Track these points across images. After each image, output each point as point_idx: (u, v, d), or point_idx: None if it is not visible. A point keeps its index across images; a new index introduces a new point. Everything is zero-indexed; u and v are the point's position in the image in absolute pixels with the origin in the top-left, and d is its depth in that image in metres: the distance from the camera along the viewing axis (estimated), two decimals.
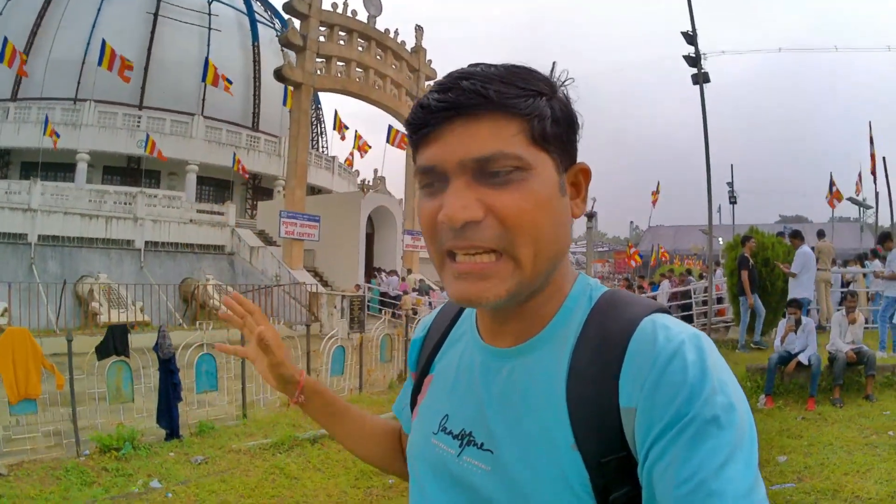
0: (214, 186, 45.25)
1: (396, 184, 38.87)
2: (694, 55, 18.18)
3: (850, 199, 41.50)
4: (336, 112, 42.26)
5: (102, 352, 9.67)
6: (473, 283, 1.04)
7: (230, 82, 37.69)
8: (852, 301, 10.99)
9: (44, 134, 34.12)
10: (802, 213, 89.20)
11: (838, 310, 11.90)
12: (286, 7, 30.07)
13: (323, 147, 56.33)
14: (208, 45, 44.85)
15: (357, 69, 32.86)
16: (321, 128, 56.85)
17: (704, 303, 19.68)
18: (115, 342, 9.69)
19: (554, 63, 1.14)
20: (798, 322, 10.61)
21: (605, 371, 1.01)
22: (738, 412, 0.92)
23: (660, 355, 0.96)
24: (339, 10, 31.89)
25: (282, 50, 48.78)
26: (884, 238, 13.63)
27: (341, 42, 32.11)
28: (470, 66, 1.07)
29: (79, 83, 41.29)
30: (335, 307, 24.13)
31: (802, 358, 10.19)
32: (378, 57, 33.84)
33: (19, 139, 39.15)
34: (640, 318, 1.05)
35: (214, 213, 33.87)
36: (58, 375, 8.67)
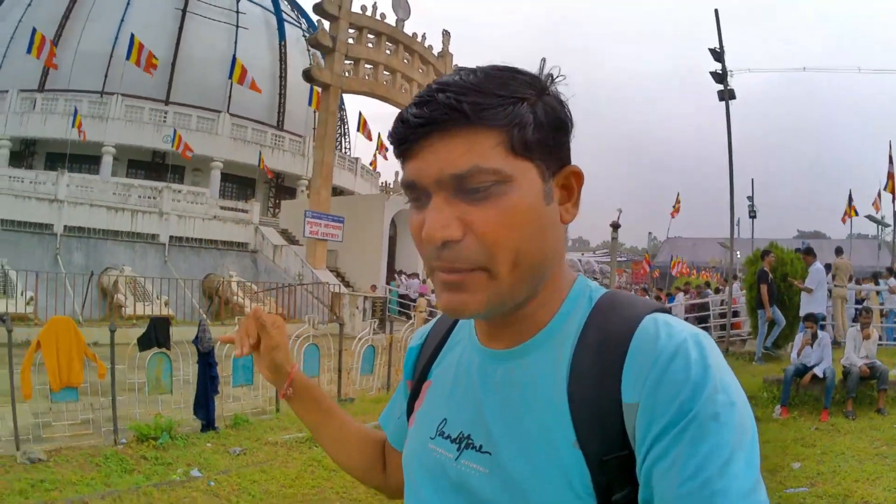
0: (237, 184, 45.51)
1: None
2: (721, 72, 18.31)
3: (867, 216, 41.48)
4: (360, 114, 42.45)
5: (144, 343, 9.85)
6: (455, 293, 1.05)
7: (257, 81, 37.80)
8: (867, 317, 11.18)
9: (72, 126, 34.39)
10: (820, 230, 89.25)
11: (853, 326, 12.11)
12: (316, 8, 30.15)
13: (346, 148, 56.45)
14: (235, 43, 45.10)
15: (384, 72, 32.97)
16: (344, 129, 56.98)
17: (720, 316, 19.85)
18: (157, 334, 9.88)
19: (543, 60, 1.13)
20: (814, 336, 10.86)
21: (607, 369, 1.01)
22: (739, 411, 0.93)
23: (662, 353, 0.96)
24: (369, 13, 31.98)
25: (308, 50, 49.14)
26: None
27: (370, 45, 32.23)
28: (452, 73, 1.05)
29: (106, 76, 41.59)
30: (357, 308, 24.26)
31: (818, 371, 10.43)
32: (405, 60, 33.96)
33: (46, 130, 39.45)
34: (641, 316, 1.05)
35: (239, 211, 34.13)
36: (100, 365, 8.86)
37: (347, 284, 29.58)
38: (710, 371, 0.93)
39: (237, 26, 46.35)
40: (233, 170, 43.26)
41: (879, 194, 37.01)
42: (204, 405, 9.24)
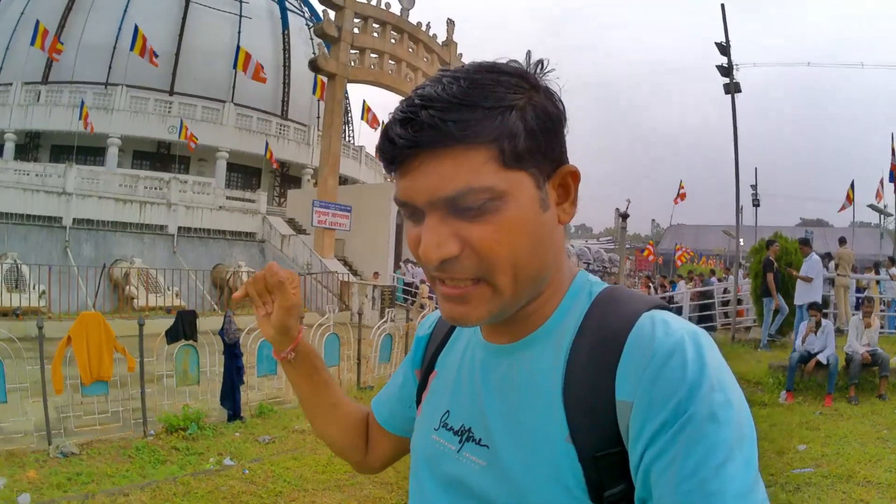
0: (243, 173, 45.52)
1: None
2: (727, 65, 18.45)
3: (870, 205, 41.62)
4: (364, 102, 42.46)
5: (172, 335, 9.99)
6: (457, 305, 1.05)
7: (263, 69, 37.75)
8: (869, 306, 11.48)
9: (79, 119, 34.40)
10: (823, 218, 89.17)
11: (855, 314, 12.36)
12: None
13: (350, 136, 56.39)
14: (239, 33, 45.02)
15: (390, 61, 33.03)
16: (348, 117, 56.96)
17: (724, 304, 20.12)
18: (184, 326, 10.02)
19: (528, 52, 1.08)
20: (818, 324, 11.21)
21: (602, 365, 1.01)
22: (736, 410, 0.92)
23: (658, 351, 0.95)
24: (374, 2, 32.03)
25: (311, 39, 49.06)
26: None
27: (375, 34, 32.26)
28: (435, 77, 1.03)
29: (110, 67, 41.49)
30: (366, 296, 24.38)
31: (821, 358, 10.82)
32: (410, 49, 33.98)
33: (50, 122, 39.38)
34: (639, 313, 1.04)
35: (245, 201, 34.26)
36: (129, 358, 9.04)
37: (355, 273, 29.71)
38: (707, 370, 0.92)
39: (240, 16, 46.23)
40: (238, 159, 43.30)
41: (882, 183, 37.10)
42: (230, 395, 9.42)
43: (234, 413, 9.37)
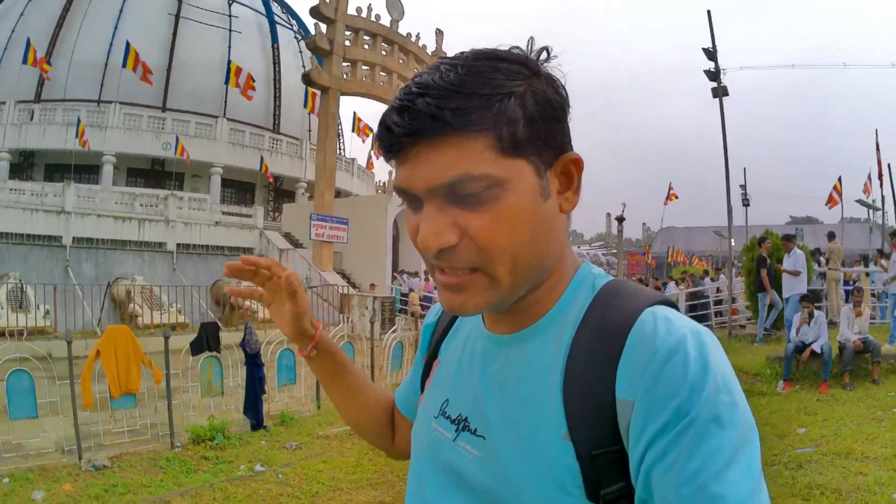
0: (237, 189, 45.61)
1: None
2: (714, 70, 18.82)
3: (858, 201, 42.03)
4: (355, 114, 42.65)
5: (196, 347, 10.26)
6: (455, 294, 1.05)
7: (254, 81, 37.93)
8: (858, 296, 12.01)
9: (75, 137, 34.48)
10: (813, 215, 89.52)
11: (846, 305, 12.83)
12: (312, 11, 30.31)
13: (341, 149, 56.48)
14: (229, 47, 45.26)
15: (381, 73, 33.23)
16: (339, 130, 57.00)
17: (715, 303, 20.71)
18: (207, 339, 10.26)
19: (531, 38, 1.09)
20: (811, 315, 11.73)
21: (603, 361, 1.00)
22: (741, 411, 0.90)
23: (660, 348, 0.94)
24: (363, 15, 32.26)
25: (300, 52, 49.22)
26: (894, 234, 14.43)
27: (366, 46, 32.45)
28: (433, 66, 1.03)
29: (102, 85, 41.60)
30: (366, 308, 24.62)
31: (815, 347, 11.39)
32: (401, 61, 34.14)
33: (45, 141, 39.39)
34: (641, 308, 1.02)
35: (242, 216, 34.46)
36: (156, 371, 9.28)
37: (353, 285, 29.81)
38: (710, 370, 0.91)
39: (230, 30, 46.44)
40: (232, 175, 43.37)
41: (870, 177, 37.58)
42: (253, 405, 9.67)
43: (258, 422, 9.61)
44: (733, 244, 21.07)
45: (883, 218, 41.00)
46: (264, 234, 32.93)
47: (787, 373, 11.42)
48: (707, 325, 19.24)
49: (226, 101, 43.53)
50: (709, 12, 18.25)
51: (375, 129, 1.03)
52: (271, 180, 43.80)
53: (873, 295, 17.46)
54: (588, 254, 69.11)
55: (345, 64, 31.47)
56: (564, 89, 1.06)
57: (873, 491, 6.23)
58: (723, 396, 0.89)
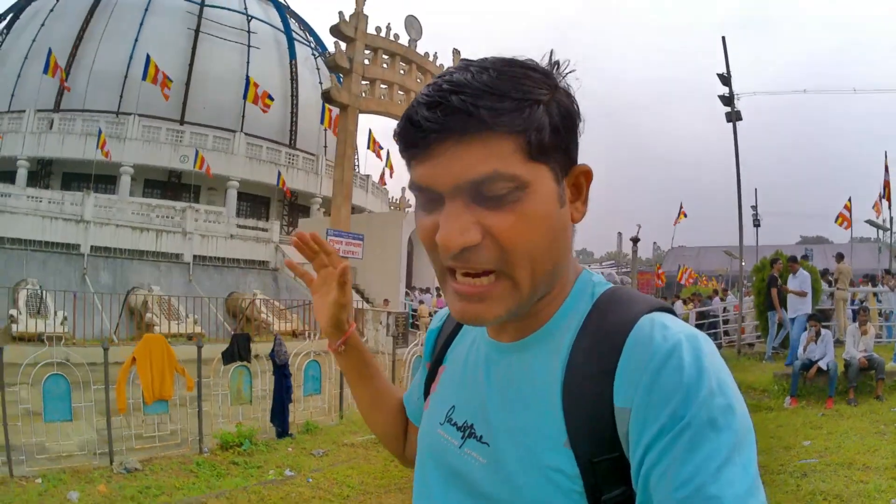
0: (252, 202, 45.86)
1: None
2: (728, 95, 19.03)
3: (867, 221, 42.06)
4: (370, 131, 42.92)
5: (227, 357, 10.54)
6: (473, 304, 1.04)
7: (272, 99, 38.34)
8: (864, 315, 12.35)
9: (96, 147, 34.89)
10: (823, 234, 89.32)
11: (853, 323, 13.09)
12: (333, 30, 30.72)
13: (356, 165, 56.42)
14: (248, 63, 45.62)
15: (399, 92, 33.58)
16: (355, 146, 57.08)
17: (723, 322, 21.00)
18: (238, 349, 10.52)
19: (551, 51, 1.10)
20: (818, 333, 12.04)
21: (601, 368, 1.01)
22: (737, 414, 0.91)
23: (656, 355, 0.95)
24: (382, 34, 32.65)
25: (317, 69, 49.52)
26: None
27: (384, 65, 32.86)
28: (460, 66, 1.04)
29: (121, 96, 41.98)
30: (380, 323, 24.82)
31: (822, 364, 11.72)
32: (418, 80, 34.43)
33: (63, 150, 39.79)
34: (638, 315, 1.03)
35: (258, 230, 34.68)
36: (188, 379, 9.52)
37: (367, 300, 29.91)
38: (705, 374, 0.92)
39: (249, 46, 46.85)
40: (248, 188, 43.67)
41: (881, 197, 37.70)
42: (280, 413, 9.91)
43: (283, 430, 9.85)
44: (744, 264, 21.27)
45: (892, 238, 41.09)
46: (280, 247, 33.15)
47: (794, 389, 11.74)
48: (716, 344, 19.55)
49: (243, 116, 44.00)
50: (723, 39, 18.49)
51: (388, 147, 1.03)
52: (289, 195, 44.05)
53: (880, 314, 17.66)
54: (603, 272, 69.23)
55: (364, 82, 31.81)
56: (578, 105, 1.09)
57: (873, 497, 6.55)
58: (718, 400, 0.91)
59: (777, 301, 15.02)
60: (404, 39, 34.08)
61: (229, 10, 47.65)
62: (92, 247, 27.59)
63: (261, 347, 12.02)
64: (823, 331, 12.22)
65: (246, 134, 43.73)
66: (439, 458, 1.22)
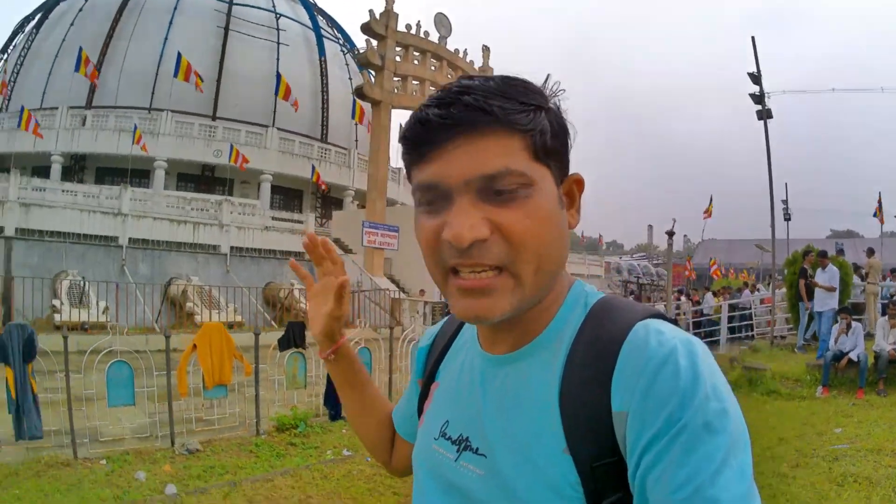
0: (284, 195, 46.25)
1: None
2: (758, 93, 19.18)
3: None
4: (401, 125, 43.01)
5: (283, 344, 10.97)
6: (478, 299, 1.04)
7: (297, 97, 38.82)
8: (894, 309, 12.41)
9: (132, 142, 35.35)
10: (853, 228, 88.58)
11: (883, 316, 13.27)
12: (364, 28, 31.07)
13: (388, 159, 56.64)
14: (277, 59, 45.98)
15: (430, 88, 33.56)
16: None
17: (749, 318, 21.26)
18: (294, 336, 10.90)
19: (548, 75, 1.13)
20: (849, 325, 12.35)
21: (597, 375, 1.01)
22: (732, 418, 0.92)
23: (651, 360, 0.96)
24: (413, 31, 33.01)
25: (346, 65, 49.79)
26: None
27: (415, 62, 33.16)
28: (463, 79, 1.06)
29: (153, 93, 42.54)
30: (417, 312, 25.20)
31: (852, 356, 12.02)
32: (449, 76, 34.54)
33: (96, 145, 40.47)
34: (633, 322, 1.05)
35: (293, 222, 35.20)
36: (246, 365, 9.87)
37: (403, 290, 30.17)
38: (701, 378, 0.93)
39: (278, 43, 47.20)
40: (280, 182, 44.16)
41: None
42: (333, 397, 10.02)
43: (336, 413, 10.10)
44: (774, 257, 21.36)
45: None
46: None
47: (826, 379, 12.00)
48: (749, 336, 19.79)
49: (275, 112, 44.42)
50: (753, 38, 18.55)
51: (405, 130, 1.06)
52: (325, 189, 44.40)
53: None
54: (638, 265, 69.02)
55: (395, 79, 32.16)
56: (571, 122, 1.12)
57: None
58: (713, 404, 0.91)
59: (804, 292, 15.20)
60: (434, 36, 34.34)
61: (258, 8, 48.11)
62: (130, 239, 28.00)
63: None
64: (854, 323, 12.48)
65: (278, 129, 44.19)
66: (436, 473, 1.23)
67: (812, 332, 15.76)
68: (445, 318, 1.49)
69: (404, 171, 1.16)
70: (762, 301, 22.33)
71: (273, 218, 34.83)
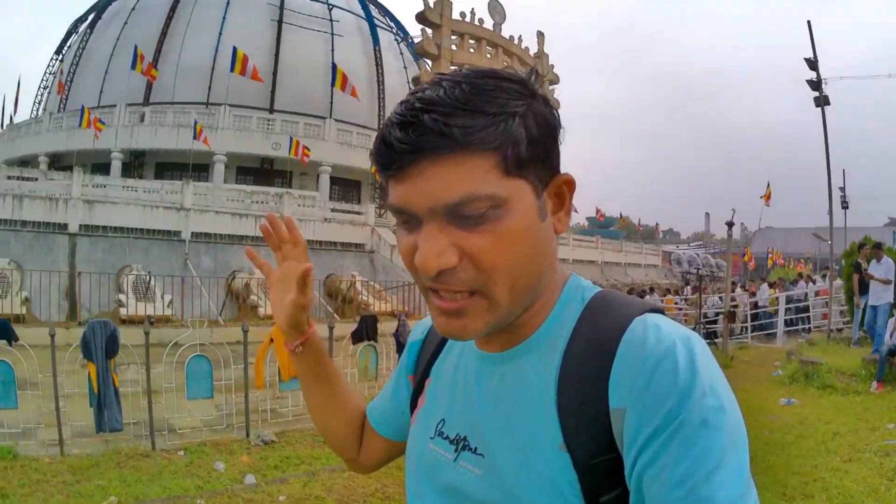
0: (342, 186, 46.34)
1: None
2: (816, 80, 18.91)
3: None
4: None
5: (357, 337, 11.03)
6: (453, 319, 1.04)
7: (353, 84, 38.69)
8: None
9: (193, 137, 35.75)
10: None
11: None
12: (419, 17, 30.69)
13: None
14: (332, 51, 46.10)
15: None
16: None
17: (805, 309, 21.16)
18: (367, 329, 10.97)
19: (534, 69, 1.12)
20: None
21: (594, 372, 1.01)
22: (729, 415, 0.91)
23: (650, 356, 0.95)
24: (467, 19, 32.79)
25: (400, 54, 49.88)
26: None
27: (471, 50, 32.68)
28: (434, 81, 1.02)
29: (210, 88, 42.91)
30: None
31: None
32: (505, 63, 33.97)
33: (155, 141, 41.01)
34: (631, 318, 1.04)
35: (353, 213, 35.28)
36: None
37: None
38: (699, 375, 0.92)
39: (332, 34, 47.31)
40: (338, 173, 44.25)
41: None
42: None
43: None
44: (832, 248, 21.03)
45: None
46: (376, 230, 33.70)
47: (881, 374, 11.70)
48: (805, 328, 19.55)
49: (332, 103, 44.53)
50: (809, 23, 18.35)
51: (373, 147, 1.04)
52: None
53: None
54: (698, 255, 68.08)
55: (452, 67, 31.93)
56: (558, 114, 1.07)
57: None
58: (710, 401, 0.91)
59: (857, 287, 14.93)
60: (489, 24, 33.94)
61: (310, 0, 48.29)
62: (193, 233, 28.36)
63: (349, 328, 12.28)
64: None
65: (336, 120, 44.33)
66: (433, 473, 1.21)
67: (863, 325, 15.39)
68: None
69: None
70: (817, 293, 22.05)
71: (332, 210, 34.92)
